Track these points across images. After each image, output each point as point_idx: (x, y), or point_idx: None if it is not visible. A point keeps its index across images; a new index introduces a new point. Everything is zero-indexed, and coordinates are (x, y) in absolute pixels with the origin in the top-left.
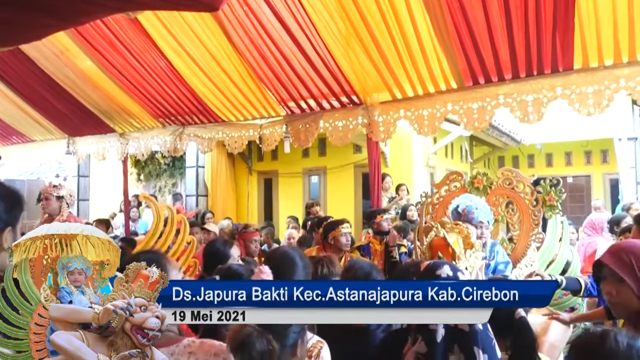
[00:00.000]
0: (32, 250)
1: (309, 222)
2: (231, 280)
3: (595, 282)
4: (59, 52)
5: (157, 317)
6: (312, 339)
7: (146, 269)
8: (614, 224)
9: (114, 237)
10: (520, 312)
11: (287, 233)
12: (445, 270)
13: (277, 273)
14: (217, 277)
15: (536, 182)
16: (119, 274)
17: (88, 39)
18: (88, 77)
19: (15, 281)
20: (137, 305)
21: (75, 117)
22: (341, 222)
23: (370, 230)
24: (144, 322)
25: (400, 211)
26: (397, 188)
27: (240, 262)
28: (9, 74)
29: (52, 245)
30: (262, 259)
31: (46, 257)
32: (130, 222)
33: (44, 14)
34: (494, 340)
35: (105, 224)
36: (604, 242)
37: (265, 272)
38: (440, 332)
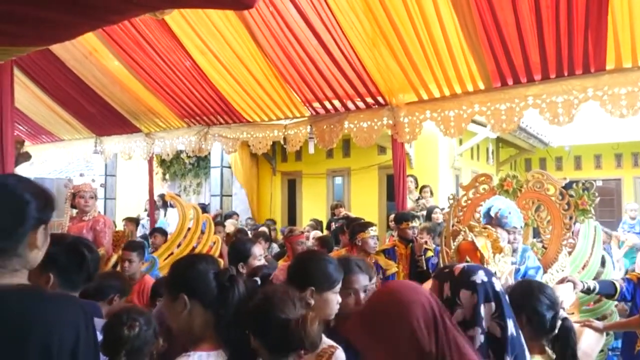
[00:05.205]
0: None
1: (332, 223)
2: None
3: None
4: (88, 53)
5: None
6: (323, 343)
7: None
8: None
9: (142, 236)
10: (563, 313)
11: (311, 235)
12: (480, 276)
13: (301, 274)
14: (259, 280)
15: (567, 186)
16: None
17: (116, 40)
18: (115, 78)
19: None
20: None
21: (102, 117)
22: (370, 224)
23: (395, 234)
24: None
25: (425, 213)
26: (421, 189)
27: (263, 261)
28: (39, 74)
29: None
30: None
31: None
32: None
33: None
34: (525, 346)
35: (135, 222)
36: None
37: (282, 270)
38: (479, 339)
